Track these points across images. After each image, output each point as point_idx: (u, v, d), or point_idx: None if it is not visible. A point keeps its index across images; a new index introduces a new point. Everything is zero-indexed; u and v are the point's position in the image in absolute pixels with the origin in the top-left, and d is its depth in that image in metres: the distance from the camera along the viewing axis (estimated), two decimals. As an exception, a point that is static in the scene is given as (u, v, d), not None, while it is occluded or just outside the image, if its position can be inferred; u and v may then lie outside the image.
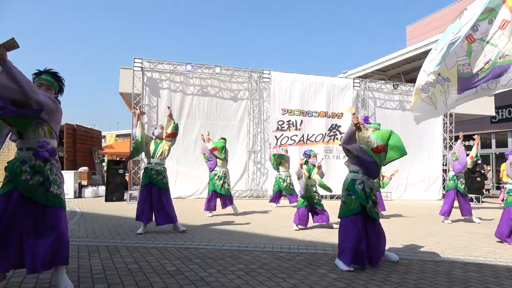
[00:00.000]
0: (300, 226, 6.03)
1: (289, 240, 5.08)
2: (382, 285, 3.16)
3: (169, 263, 3.68)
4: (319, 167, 5.89)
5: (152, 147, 5.59)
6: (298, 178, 6.05)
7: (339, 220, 3.89)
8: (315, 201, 6.08)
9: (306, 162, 6.07)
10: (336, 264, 3.69)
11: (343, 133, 12.08)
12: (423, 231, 6.10)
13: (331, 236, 5.37)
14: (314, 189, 6.10)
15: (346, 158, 4.11)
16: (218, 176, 7.30)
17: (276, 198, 9.52)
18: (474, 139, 7.85)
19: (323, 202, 6.39)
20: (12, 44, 2.34)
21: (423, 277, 3.40)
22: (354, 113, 3.71)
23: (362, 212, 3.67)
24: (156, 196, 5.40)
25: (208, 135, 7.75)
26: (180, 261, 3.78)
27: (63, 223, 2.75)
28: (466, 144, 15.87)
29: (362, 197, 3.63)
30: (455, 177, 7.50)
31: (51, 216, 2.68)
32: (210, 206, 7.28)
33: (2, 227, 2.53)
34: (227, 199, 7.42)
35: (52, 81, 2.80)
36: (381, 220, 3.94)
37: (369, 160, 3.67)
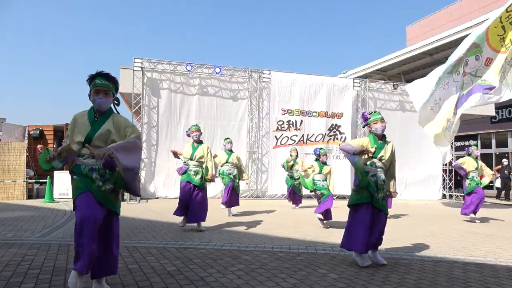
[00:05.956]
0: (326, 222, 6.24)
1: (289, 240, 5.08)
2: (382, 285, 3.15)
3: (169, 263, 3.68)
4: (305, 171, 6.40)
5: (189, 150, 5.73)
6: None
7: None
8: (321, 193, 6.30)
9: (317, 159, 6.50)
10: (355, 258, 3.81)
11: (343, 133, 12.13)
12: (423, 231, 6.10)
13: (332, 236, 5.37)
14: (323, 183, 6.36)
15: (346, 158, 4.22)
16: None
17: (295, 198, 9.39)
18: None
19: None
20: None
21: (423, 277, 3.40)
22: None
23: (371, 203, 3.80)
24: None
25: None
26: (180, 261, 3.78)
27: (118, 233, 2.84)
28: (466, 144, 15.84)
29: (373, 188, 3.78)
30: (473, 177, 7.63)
31: (115, 224, 2.76)
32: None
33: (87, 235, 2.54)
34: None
35: (107, 84, 2.76)
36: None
37: None
